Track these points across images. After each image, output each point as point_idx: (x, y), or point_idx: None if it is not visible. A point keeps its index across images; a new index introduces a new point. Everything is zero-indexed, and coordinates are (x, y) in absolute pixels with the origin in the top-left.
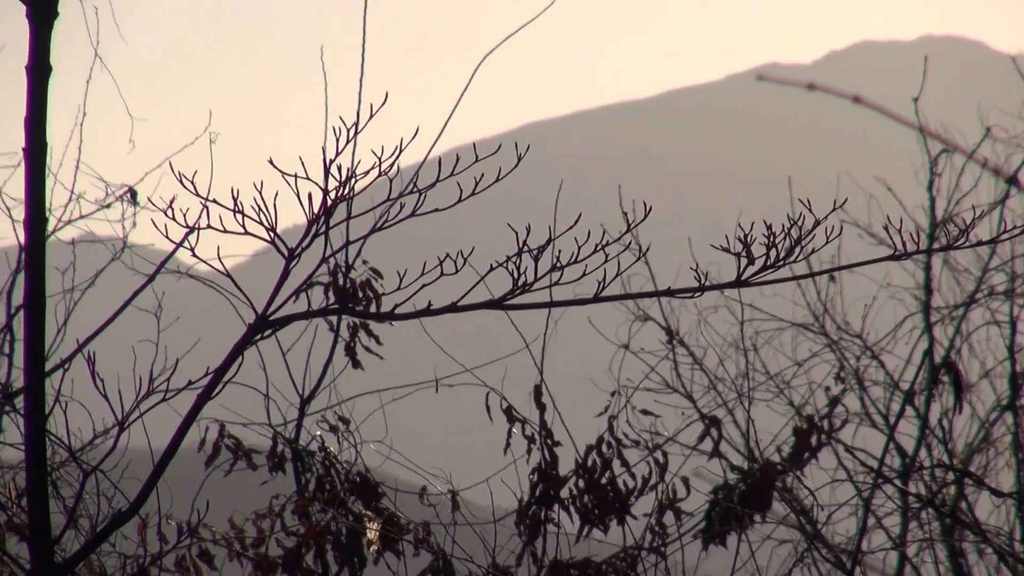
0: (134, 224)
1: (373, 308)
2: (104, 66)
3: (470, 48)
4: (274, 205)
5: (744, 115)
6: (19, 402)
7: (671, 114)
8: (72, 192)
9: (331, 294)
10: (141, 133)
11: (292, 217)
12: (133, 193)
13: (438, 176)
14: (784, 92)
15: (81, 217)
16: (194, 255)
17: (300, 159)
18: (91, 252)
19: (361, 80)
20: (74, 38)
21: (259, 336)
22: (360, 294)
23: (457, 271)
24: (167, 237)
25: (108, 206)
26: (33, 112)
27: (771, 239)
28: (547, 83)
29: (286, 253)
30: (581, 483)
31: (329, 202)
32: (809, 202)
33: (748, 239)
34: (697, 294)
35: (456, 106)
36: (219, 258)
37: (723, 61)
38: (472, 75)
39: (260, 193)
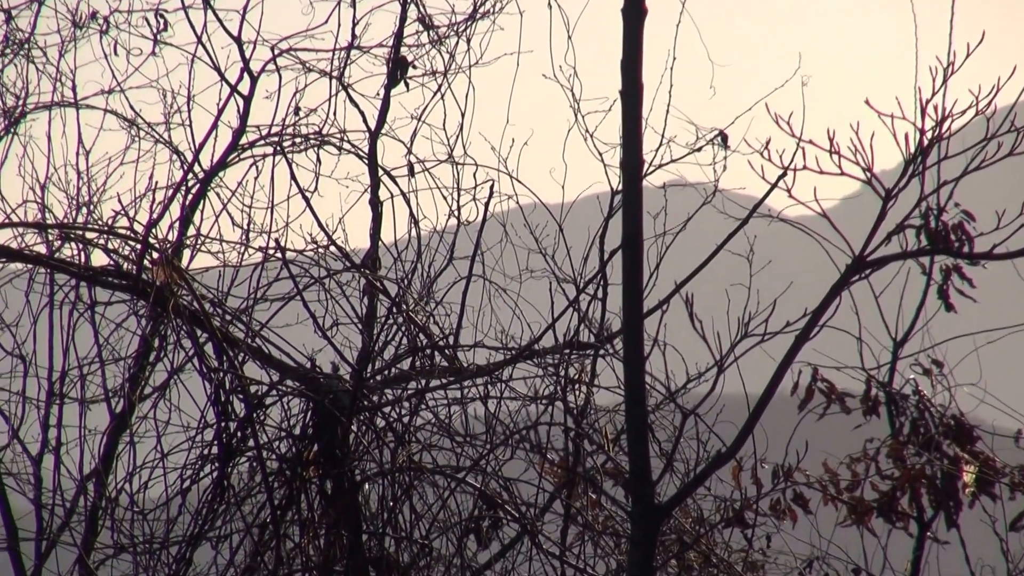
0: (724, 168)
1: (966, 250)
2: (686, 11)
3: None
4: (870, 146)
5: None
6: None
7: None
8: (663, 136)
9: (923, 236)
10: (729, 78)
11: (881, 161)
12: (724, 137)
13: None
14: None
15: (672, 161)
16: (790, 196)
17: (897, 99)
18: (682, 196)
19: (952, 19)
20: None
21: (856, 277)
22: (952, 236)
23: None
24: (763, 178)
25: (699, 150)
26: (628, 54)
27: None
28: None
29: (882, 194)
30: None
31: (925, 142)
32: None
33: None
34: None
35: None
36: (816, 199)
37: None
38: None
39: (856, 133)
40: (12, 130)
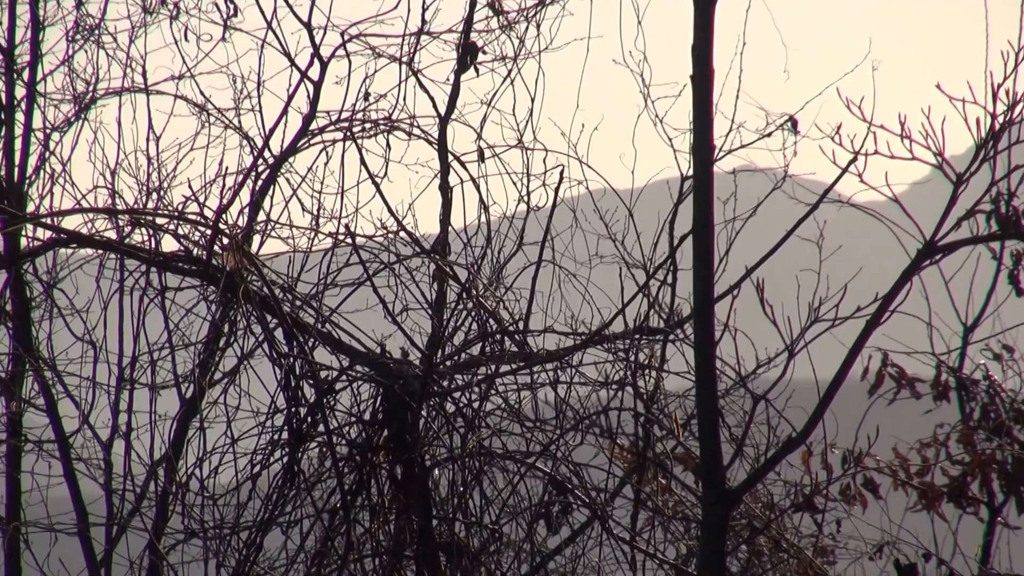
0: (795, 153)
1: None
2: None
3: None
4: (941, 130)
5: None
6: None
7: None
8: (732, 121)
9: (993, 221)
10: (799, 62)
11: (952, 146)
12: (794, 122)
13: None
14: None
15: (742, 147)
16: (861, 181)
17: (968, 83)
18: (752, 182)
19: (1023, 2)
20: None
21: (927, 262)
22: (1022, 221)
23: None
24: (833, 163)
25: (769, 135)
26: (699, 39)
27: None
28: None
29: (953, 178)
30: None
31: (996, 127)
32: None
33: None
34: None
35: None
36: (887, 184)
37: None
38: None
39: (927, 118)
40: (83, 116)
